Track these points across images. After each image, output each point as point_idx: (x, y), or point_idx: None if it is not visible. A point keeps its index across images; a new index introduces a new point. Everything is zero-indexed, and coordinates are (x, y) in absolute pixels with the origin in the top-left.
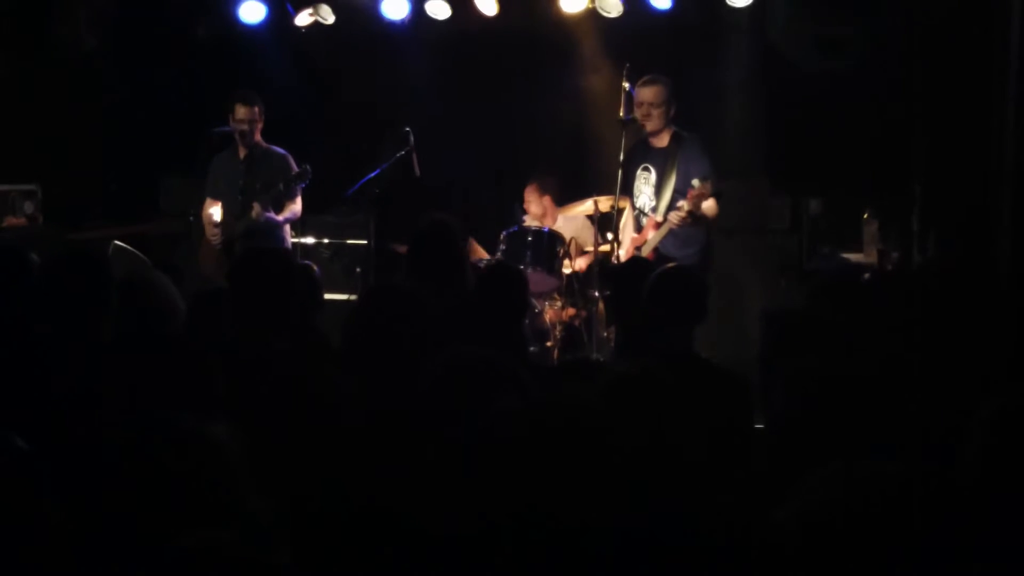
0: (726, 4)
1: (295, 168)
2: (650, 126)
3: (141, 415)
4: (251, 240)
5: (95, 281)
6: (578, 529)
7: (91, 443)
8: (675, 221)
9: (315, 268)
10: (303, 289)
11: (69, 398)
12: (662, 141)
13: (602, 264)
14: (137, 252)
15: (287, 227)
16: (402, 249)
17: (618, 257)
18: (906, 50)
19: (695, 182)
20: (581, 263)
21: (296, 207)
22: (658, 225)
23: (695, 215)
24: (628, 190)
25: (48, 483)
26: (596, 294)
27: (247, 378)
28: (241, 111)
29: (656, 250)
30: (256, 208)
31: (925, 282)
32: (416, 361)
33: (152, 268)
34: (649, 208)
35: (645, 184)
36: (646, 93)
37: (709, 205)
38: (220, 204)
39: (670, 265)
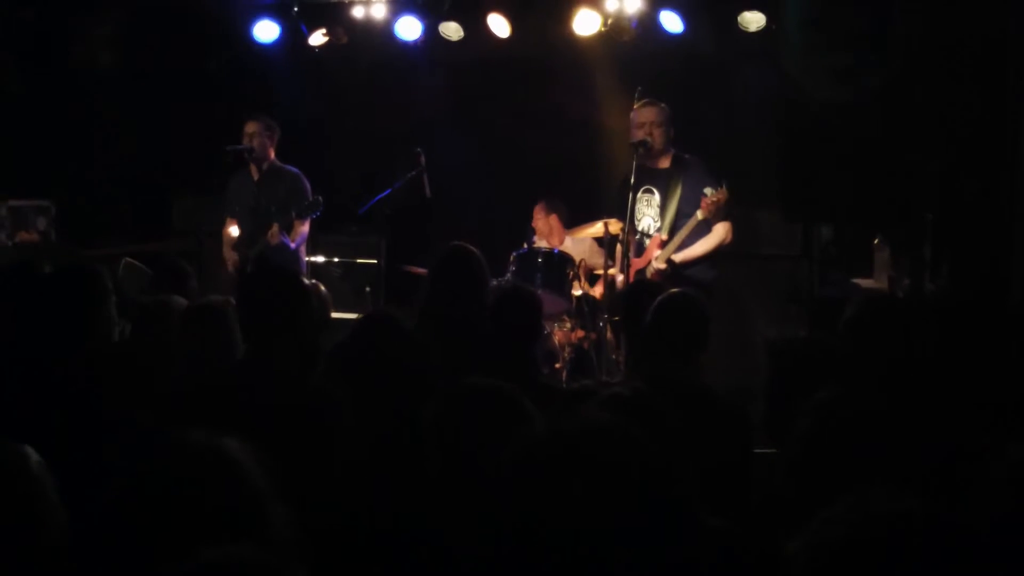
0: (739, 30)
1: (307, 187)
2: (656, 145)
3: (156, 431)
4: (263, 263)
5: (87, 294)
6: (574, 541)
7: (107, 458)
8: (697, 217)
9: (323, 287)
10: (311, 308)
11: (84, 411)
12: (663, 163)
13: (609, 289)
14: (148, 269)
15: (303, 247)
16: (414, 269)
17: (616, 283)
18: (919, 79)
19: (707, 191)
20: (598, 291)
21: (304, 228)
22: (663, 243)
23: (708, 225)
24: (629, 213)
25: (62, 496)
26: (606, 316)
27: (251, 394)
28: (249, 126)
29: (662, 270)
30: (274, 229)
31: (937, 310)
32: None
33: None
34: (653, 229)
35: (647, 206)
36: (647, 113)
37: (723, 227)
38: (237, 224)
39: (672, 291)
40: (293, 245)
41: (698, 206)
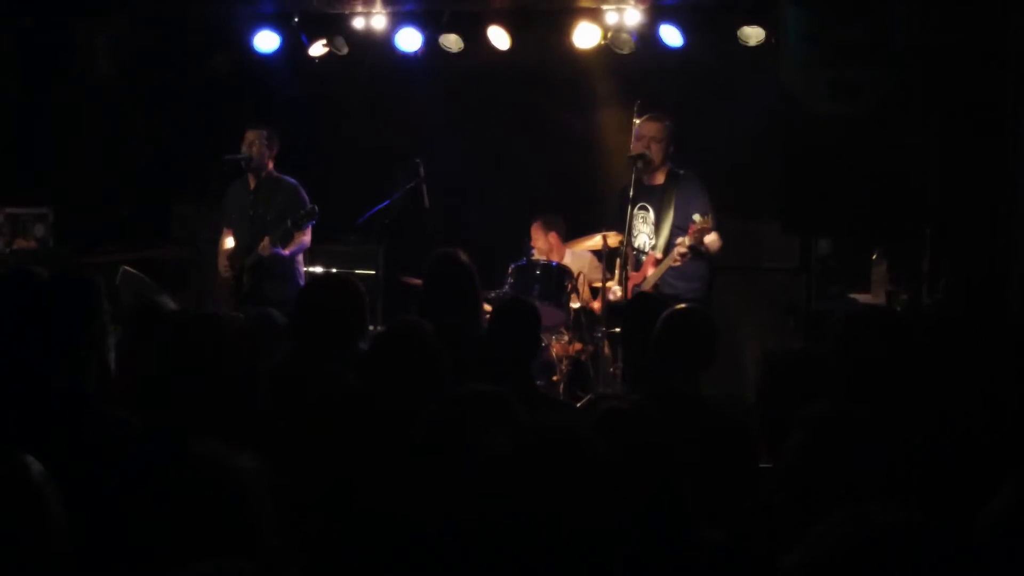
0: (738, 43)
1: (305, 198)
2: (654, 161)
3: (162, 441)
4: (260, 273)
5: (81, 302)
6: (571, 548)
7: (110, 466)
8: (676, 258)
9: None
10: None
11: (85, 420)
12: (658, 179)
13: (610, 302)
14: (145, 277)
15: (300, 257)
16: (411, 280)
17: (614, 294)
18: (919, 94)
19: (696, 217)
20: (597, 304)
21: (305, 238)
22: (657, 262)
23: (696, 249)
24: (627, 227)
25: (63, 505)
26: (604, 329)
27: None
28: (249, 135)
29: (656, 286)
30: (265, 243)
31: (934, 324)
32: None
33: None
34: (648, 247)
35: (643, 223)
36: (649, 127)
37: (712, 239)
38: (233, 233)
39: (681, 306)
40: (287, 253)
41: (691, 222)
